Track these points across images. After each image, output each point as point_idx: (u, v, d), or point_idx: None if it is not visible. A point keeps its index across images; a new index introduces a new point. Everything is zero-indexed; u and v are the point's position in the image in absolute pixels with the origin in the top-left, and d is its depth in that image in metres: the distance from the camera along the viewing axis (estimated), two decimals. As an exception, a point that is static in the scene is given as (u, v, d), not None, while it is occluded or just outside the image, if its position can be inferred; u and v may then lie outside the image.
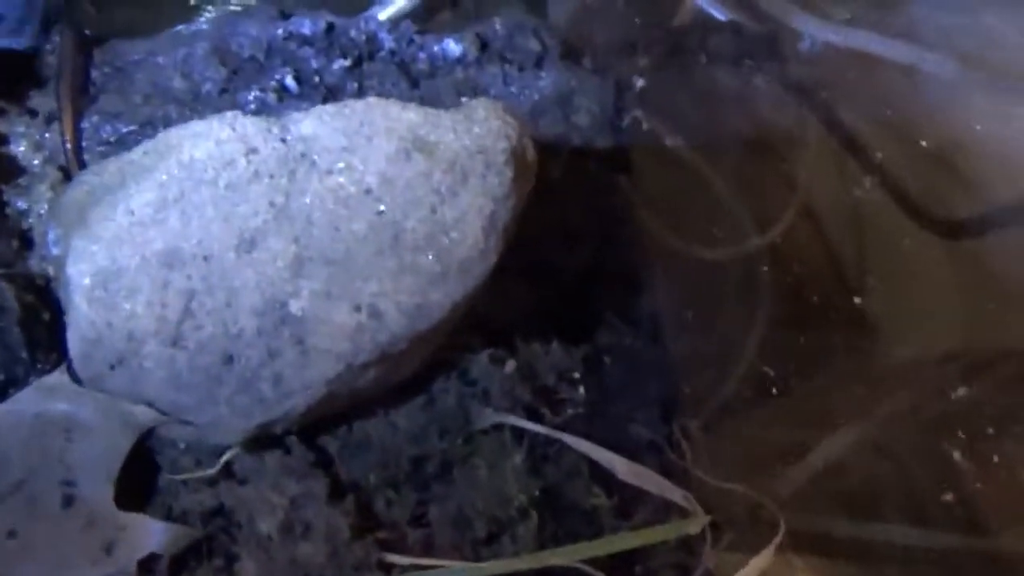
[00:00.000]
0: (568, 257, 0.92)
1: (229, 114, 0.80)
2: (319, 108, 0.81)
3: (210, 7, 1.00)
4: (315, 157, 0.80)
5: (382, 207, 0.80)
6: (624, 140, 0.96)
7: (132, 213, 0.79)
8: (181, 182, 0.79)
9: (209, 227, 0.79)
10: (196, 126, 0.80)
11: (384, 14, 1.06)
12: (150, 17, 1.03)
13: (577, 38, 1.00)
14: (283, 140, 0.80)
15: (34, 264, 0.88)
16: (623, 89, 0.97)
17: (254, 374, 0.79)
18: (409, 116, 0.81)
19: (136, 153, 0.82)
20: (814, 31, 1.00)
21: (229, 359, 0.79)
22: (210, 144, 0.79)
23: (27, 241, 0.89)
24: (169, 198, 0.79)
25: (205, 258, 0.79)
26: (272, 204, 0.79)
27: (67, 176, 0.90)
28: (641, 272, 0.94)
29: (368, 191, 0.80)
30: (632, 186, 0.95)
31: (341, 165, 0.80)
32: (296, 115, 0.81)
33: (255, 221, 0.79)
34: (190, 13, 1.01)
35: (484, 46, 0.96)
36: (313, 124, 0.80)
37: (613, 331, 0.94)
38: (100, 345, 0.78)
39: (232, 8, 0.99)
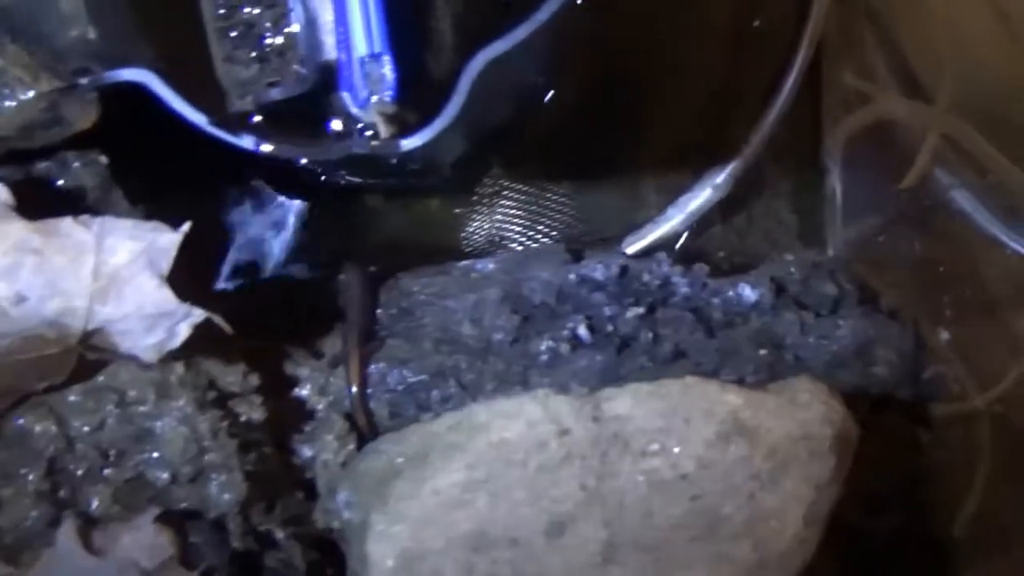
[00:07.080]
0: (872, 524, 0.86)
1: (540, 392, 0.78)
2: (634, 386, 0.78)
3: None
4: (629, 438, 0.77)
5: (698, 492, 0.76)
6: (925, 394, 0.91)
7: (438, 493, 0.77)
8: (490, 463, 0.77)
9: (518, 510, 0.76)
10: (505, 404, 0.78)
11: (646, 240, 1.02)
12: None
13: (869, 272, 0.95)
14: (595, 419, 0.77)
15: (318, 516, 0.86)
16: (924, 339, 0.91)
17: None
18: (730, 398, 0.77)
19: (439, 426, 0.80)
20: None
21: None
22: (521, 425, 0.77)
23: (311, 492, 0.87)
24: (477, 479, 0.77)
25: (512, 541, 0.77)
26: (583, 487, 0.76)
27: (353, 425, 0.87)
28: (948, 541, 0.88)
29: (684, 476, 0.77)
30: (934, 444, 0.90)
31: (656, 447, 0.77)
32: (608, 391, 0.78)
33: (566, 505, 0.76)
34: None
35: (780, 290, 0.91)
36: (627, 403, 0.78)
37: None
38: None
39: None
